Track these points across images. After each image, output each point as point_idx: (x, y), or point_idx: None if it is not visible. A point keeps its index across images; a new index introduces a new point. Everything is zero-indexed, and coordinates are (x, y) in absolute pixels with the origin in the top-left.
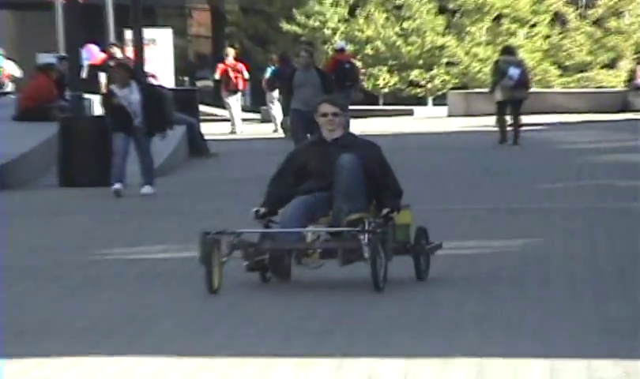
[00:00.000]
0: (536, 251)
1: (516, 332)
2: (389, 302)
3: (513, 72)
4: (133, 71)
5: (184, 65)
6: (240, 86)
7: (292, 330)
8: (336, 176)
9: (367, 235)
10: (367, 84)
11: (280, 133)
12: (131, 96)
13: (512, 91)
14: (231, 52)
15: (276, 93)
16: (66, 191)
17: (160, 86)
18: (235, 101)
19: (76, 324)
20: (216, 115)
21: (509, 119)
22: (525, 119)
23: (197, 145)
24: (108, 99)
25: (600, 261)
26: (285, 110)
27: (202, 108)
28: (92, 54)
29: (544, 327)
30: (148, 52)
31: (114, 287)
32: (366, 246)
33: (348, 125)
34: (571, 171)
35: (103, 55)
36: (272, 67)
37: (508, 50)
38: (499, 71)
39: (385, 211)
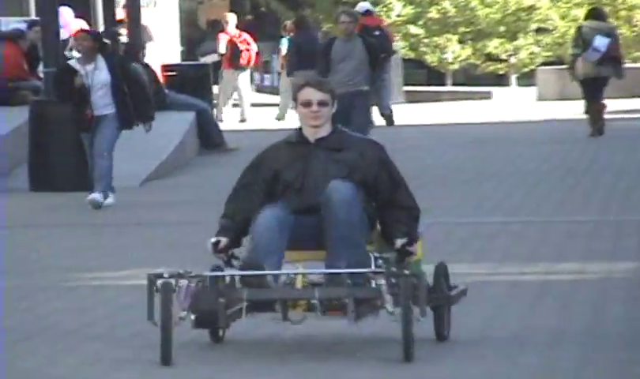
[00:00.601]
0: None
1: None
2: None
3: (601, 42)
4: (102, 40)
5: (194, 34)
6: (252, 62)
7: None
8: (326, 215)
9: (389, 279)
10: (432, 59)
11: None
12: (97, 75)
13: (597, 67)
14: (231, 19)
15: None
16: (39, 197)
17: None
18: (243, 81)
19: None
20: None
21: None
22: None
23: (210, 137)
24: (67, 79)
25: None
26: None
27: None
28: (64, 21)
29: None
30: (146, 17)
31: (95, 323)
32: (389, 295)
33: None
34: None
35: (79, 24)
36: (288, 37)
37: (596, 14)
38: (583, 40)
39: (399, 242)
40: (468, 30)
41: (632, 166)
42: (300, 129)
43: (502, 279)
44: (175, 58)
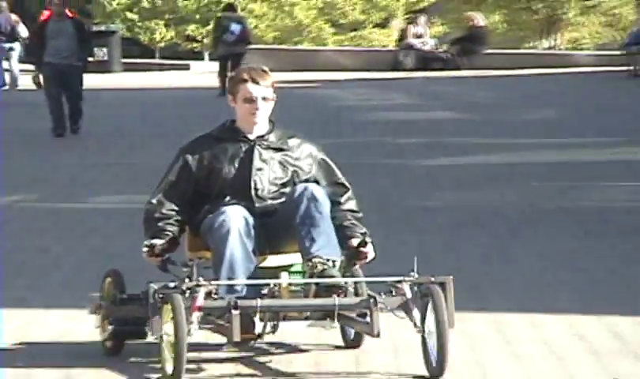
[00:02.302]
0: None
1: None
2: None
3: (235, 27)
4: None
5: None
6: None
7: None
8: (306, 217)
9: (419, 286)
10: (144, 38)
11: None
12: None
13: (232, 46)
14: None
15: None
16: None
17: None
18: None
19: None
20: None
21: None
22: (297, 76)
23: None
24: None
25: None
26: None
27: None
28: None
29: None
30: None
31: None
32: (413, 303)
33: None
34: (345, 128)
35: None
36: None
37: (230, 7)
38: (221, 27)
39: (354, 242)
40: (172, 17)
41: (293, 122)
42: (232, 123)
43: None
44: None
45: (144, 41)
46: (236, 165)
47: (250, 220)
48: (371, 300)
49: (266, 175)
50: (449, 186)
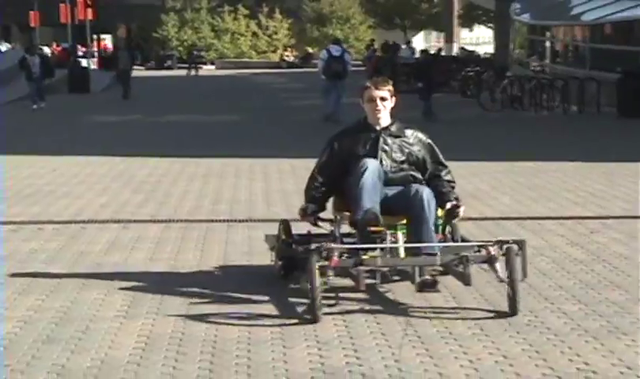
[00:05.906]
0: None
1: None
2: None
3: (197, 52)
4: None
5: None
6: None
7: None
8: (415, 209)
9: (500, 246)
10: (184, 57)
11: None
12: None
13: (197, 59)
14: None
15: None
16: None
17: None
18: None
19: None
20: None
21: None
22: (242, 71)
23: None
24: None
25: None
26: None
27: None
28: None
29: None
30: None
31: None
32: (499, 260)
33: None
34: (261, 91)
35: None
36: None
37: (194, 45)
38: (191, 52)
39: (449, 205)
40: (194, 50)
41: None
42: (364, 118)
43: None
44: None
45: (184, 58)
46: (367, 148)
47: (382, 173)
48: (463, 257)
49: (389, 155)
50: (304, 110)
